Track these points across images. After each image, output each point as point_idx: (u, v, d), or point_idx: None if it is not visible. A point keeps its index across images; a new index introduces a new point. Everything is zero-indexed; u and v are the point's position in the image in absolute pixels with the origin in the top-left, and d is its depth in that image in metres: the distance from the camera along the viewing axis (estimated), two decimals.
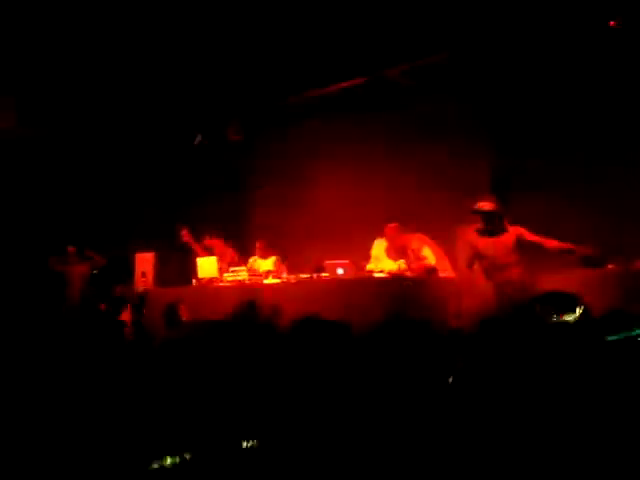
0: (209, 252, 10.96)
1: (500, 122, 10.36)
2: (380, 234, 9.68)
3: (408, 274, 8.95)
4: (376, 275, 9.09)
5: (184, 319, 8.75)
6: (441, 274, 9.06)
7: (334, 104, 11.93)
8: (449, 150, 10.48)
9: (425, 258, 8.98)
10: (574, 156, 9.51)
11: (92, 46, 10.78)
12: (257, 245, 10.93)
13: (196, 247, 11.19)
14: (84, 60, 11.08)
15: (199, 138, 13.23)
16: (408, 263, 9.11)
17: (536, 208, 9.27)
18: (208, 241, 11.00)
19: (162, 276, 12.10)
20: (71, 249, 12.01)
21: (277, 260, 10.64)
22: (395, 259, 9.25)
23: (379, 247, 9.63)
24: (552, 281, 8.07)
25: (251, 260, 10.92)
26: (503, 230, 8.11)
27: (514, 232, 8.04)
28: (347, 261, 9.24)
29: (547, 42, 9.45)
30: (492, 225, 8.08)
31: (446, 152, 10.49)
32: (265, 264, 10.61)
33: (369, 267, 9.40)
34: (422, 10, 9.50)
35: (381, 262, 9.41)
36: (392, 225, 9.31)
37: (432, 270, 8.90)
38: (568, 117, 9.69)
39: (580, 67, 9.48)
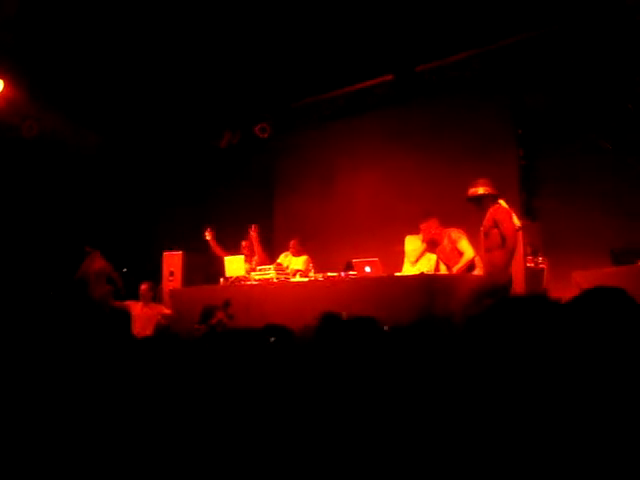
0: (229, 252, 10.99)
1: (527, 117, 10.27)
2: (410, 232, 9.66)
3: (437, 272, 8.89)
4: (402, 274, 9.07)
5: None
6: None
7: (362, 102, 11.91)
8: (478, 146, 10.42)
9: (462, 253, 8.85)
10: (603, 152, 9.38)
11: (119, 47, 10.86)
12: (291, 243, 10.95)
13: (216, 248, 11.25)
14: (108, 59, 11.15)
15: (227, 137, 13.26)
16: (443, 256, 9.02)
17: (563, 203, 9.18)
18: (252, 232, 10.98)
19: (189, 275, 12.11)
20: (89, 249, 11.98)
21: (307, 259, 10.65)
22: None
23: (411, 244, 9.60)
24: (584, 277, 8.03)
25: (283, 255, 10.99)
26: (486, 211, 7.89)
27: (492, 214, 7.72)
28: (375, 259, 9.19)
29: (576, 36, 9.35)
30: (478, 209, 7.95)
31: (475, 148, 10.43)
32: (296, 262, 10.64)
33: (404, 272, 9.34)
34: (452, 6, 9.45)
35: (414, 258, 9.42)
36: (425, 222, 9.18)
37: (472, 265, 8.73)
38: (597, 112, 9.56)
39: (611, 59, 9.35)
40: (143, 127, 13.28)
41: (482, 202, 7.88)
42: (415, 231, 9.61)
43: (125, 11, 10.06)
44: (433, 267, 9.30)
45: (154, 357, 3.39)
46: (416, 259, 9.51)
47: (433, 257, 9.40)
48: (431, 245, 9.18)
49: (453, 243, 8.92)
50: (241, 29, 10.35)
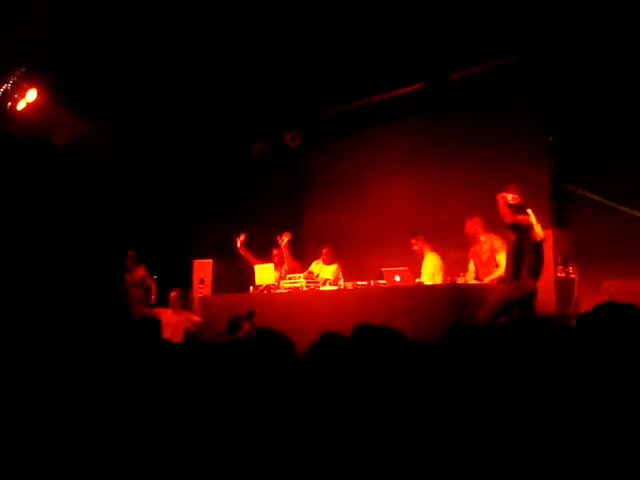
0: (260, 260, 11.05)
1: (558, 125, 10.19)
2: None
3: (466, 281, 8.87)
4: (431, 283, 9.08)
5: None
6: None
7: (393, 111, 11.88)
8: (509, 155, 10.35)
9: (499, 265, 8.84)
10: (634, 160, 9.29)
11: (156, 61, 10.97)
12: (323, 251, 10.97)
13: (247, 255, 11.30)
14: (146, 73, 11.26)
15: (258, 147, 13.30)
16: (478, 259, 9.08)
17: (594, 211, 9.11)
18: (281, 240, 11.04)
19: (220, 283, 12.16)
20: (131, 253, 12.15)
21: (337, 268, 10.67)
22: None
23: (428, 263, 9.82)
24: (615, 286, 7.97)
25: (314, 263, 11.03)
26: None
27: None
28: (405, 268, 9.19)
29: (613, 49, 9.25)
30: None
31: (506, 157, 10.36)
32: (326, 270, 10.65)
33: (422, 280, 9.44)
34: (484, 14, 9.39)
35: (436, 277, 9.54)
36: (470, 219, 9.28)
37: (504, 279, 8.68)
38: (630, 119, 9.46)
39: None
40: (176, 137, 13.36)
41: (513, 211, 7.88)
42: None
43: (157, 22, 10.12)
44: (438, 275, 9.46)
45: (183, 363, 3.42)
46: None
47: (430, 265, 9.70)
48: (470, 240, 9.24)
49: (493, 252, 8.93)
50: (271, 39, 10.37)
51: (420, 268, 9.87)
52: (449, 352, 3.07)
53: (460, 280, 8.86)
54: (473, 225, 9.19)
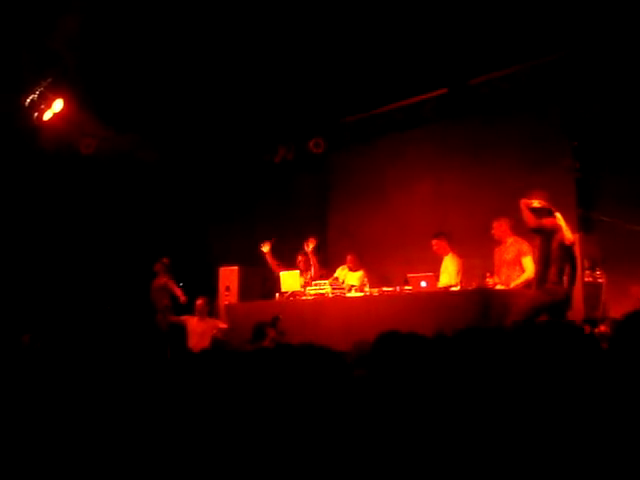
0: (285, 266, 11.05)
1: (585, 134, 10.11)
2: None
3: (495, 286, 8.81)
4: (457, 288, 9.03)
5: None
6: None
7: (416, 116, 11.87)
8: (533, 159, 10.30)
9: (524, 269, 8.77)
10: None
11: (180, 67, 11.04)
12: (348, 258, 10.95)
13: (272, 262, 11.30)
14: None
15: (282, 153, 13.32)
16: (501, 262, 9.04)
17: (622, 215, 9.03)
18: (307, 246, 11.04)
19: (246, 290, 12.16)
20: (166, 260, 12.14)
21: (363, 275, 10.63)
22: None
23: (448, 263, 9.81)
24: None
25: (340, 269, 11.02)
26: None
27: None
28: (431, 274, 9.16)
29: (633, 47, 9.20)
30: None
31: (530, 161, 10.32)
32: (352, 277, 10.63)
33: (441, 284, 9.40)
34: (506, 19, 9.38)
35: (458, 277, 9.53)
36: (497, 220, 9.21)
37: (530, 284, 8.49)
38: None
39: None
40: (200, 145, 13.42)
41: (538, 215, 7.81)
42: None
43: (182, 32, 10.19)
44: (454, 279, 9.47)
45: (209, 370, 3.43)
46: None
47: (451, 265, 9.67)
48: (496, 242, 9.21)
49: (519, 255, 8.83)
50: (295, 47, 10.40)
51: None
52: (455, 351, 3.07)
53: (490, 281, 8.77)
54: (501, 226, 9.08)
